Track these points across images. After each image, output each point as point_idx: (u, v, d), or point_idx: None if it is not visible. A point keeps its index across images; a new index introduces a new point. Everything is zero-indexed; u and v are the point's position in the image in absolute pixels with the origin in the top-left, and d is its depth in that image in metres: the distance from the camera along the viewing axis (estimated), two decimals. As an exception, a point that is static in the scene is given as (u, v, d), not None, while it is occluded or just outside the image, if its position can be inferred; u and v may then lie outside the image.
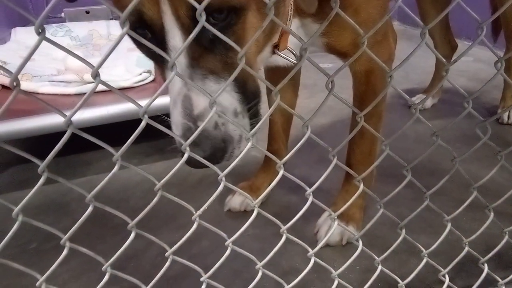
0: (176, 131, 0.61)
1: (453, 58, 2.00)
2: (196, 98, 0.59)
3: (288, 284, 0.73)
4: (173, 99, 0.62)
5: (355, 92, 1.05)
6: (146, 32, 0.60)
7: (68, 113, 0.39)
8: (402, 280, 0.84)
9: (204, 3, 0.41)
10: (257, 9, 0.62)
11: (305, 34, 0.91)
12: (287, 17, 0.82)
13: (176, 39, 0.58)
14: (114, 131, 1.41)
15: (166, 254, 0.58)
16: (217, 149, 0.60)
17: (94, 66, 0.37)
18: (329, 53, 0.96)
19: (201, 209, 0.56)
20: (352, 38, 0.89)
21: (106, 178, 0.43)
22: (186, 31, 0.57)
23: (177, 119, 0.60)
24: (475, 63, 2.60)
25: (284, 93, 1.25)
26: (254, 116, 0.68)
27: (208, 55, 0.60)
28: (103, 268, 0.52)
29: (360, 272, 1.00)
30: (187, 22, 0.57)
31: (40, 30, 0.33)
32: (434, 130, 0.68)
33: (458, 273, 0.96)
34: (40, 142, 1.34)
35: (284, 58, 0.87)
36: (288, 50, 0.89)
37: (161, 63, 0.67)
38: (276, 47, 0.86)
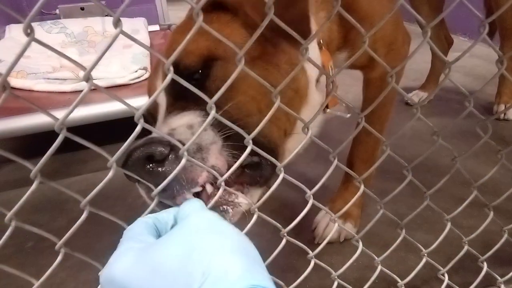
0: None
1: (449, 54, 1.99)
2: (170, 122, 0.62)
3: (286, 283, 0.73)
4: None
5: (367, 95, 1.08)
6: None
7: (62, 113, 0.38)
8: (401, 277, 0.83)
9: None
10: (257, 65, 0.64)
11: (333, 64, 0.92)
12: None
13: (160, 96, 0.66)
14: (111, 128, 1.40)
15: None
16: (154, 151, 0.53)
17: (86, 68, 0.36)
18: (351, 69, 0.97)
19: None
20: (369, 54, 0.90)
21: (101, 184, 0.42)
22: (170, 94, 0.65)
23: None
24: (470, 59, 2.59)
25: None
26: (256, 167, 0.64)
27: (187, 103, 0.64)
28: (99, 273, 0.51)
29: (358, 269, 1.00)
30: (168, 88, 0.63)
31: (29, 31, 0.32)
32: (435, 130, 0.67)
33: (457, 271, 0.95)
34: (35, 140, 1.33)
35: (337, 115, 0.85)
36: (341, 102, 0.87)
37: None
38: (326, 106, 0.82)
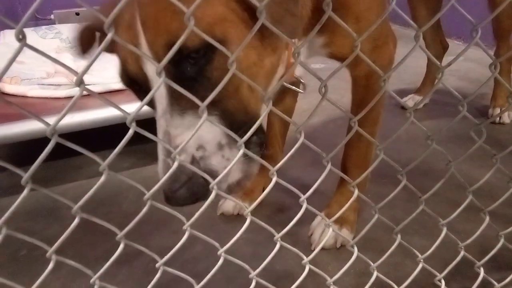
0: (158, 168, 0.62)
1: (444, 58, 2.00)
2: (174, 133, 0.59)
3: (282, 290, 0.72)
4: (159, 136, 0.63)
5: (354, 96, 1.05)
6: (136, 85, 0.65)
7: (53, 120, 0.38)
8: (398, 284, 0.83)
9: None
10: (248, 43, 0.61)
11: (308, 48, 0.91)
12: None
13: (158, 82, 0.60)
14: (106, 133, 1.40)
15: (157, 265, 0.57)
16: (195, 184, 0.59)
17: (78, 73, 0.35)
18: (333, 59, 0.96)
19: (192, 219, 0.55)
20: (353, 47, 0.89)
21: (93, 188, 0.41)
22: (167, 74, 0.59)
23: (159, 156, 0.62)
24: (465, 62, 2.61)
25: (283, 97, 1.24)
26: (259, 145, 0.68)
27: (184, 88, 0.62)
28: (91, 281, 0.51)
29: (355, 275, 1.00)
30: (167, 66, 0.57)
31: (20, 37, 0.32)
32: (429, 134, 0.67)
33: (453, 276, 0.95)
34: (29, 147, 1.32)
35: (292, 89, 0.88)
36: (296, 79, 0.89)
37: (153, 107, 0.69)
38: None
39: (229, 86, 0.61)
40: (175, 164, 0.49)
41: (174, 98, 0.60)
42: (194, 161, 0.59)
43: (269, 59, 0.68)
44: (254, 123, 0.55)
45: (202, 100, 0.48)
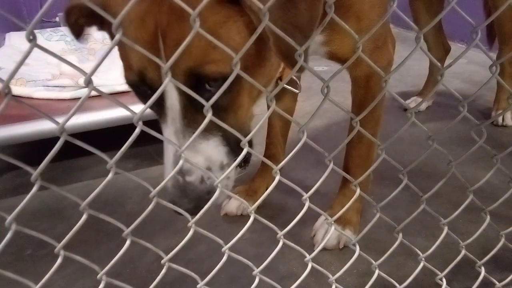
0: (167, 181, 0.65)
1: (446, 61, 2.01)
2: (186, 154, 0.61)
3: (285, 289, 0.73)
4: (166, 152, 0.68)
5: (354, 96, 1.06)
6: (147, 89, 0.65)
7: (61, 120, 0.39)
8: (399, 283, 0.84)
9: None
10: (251, 72, 0.63)
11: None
12: None
13: (173, 99, 0.63)
14: (111, 135, 1.41)
15: (162, 261, 0.58)
16: (202, 200, 0.64)
17: (86, 73, 0.36)
18: (332, 60, 0.97)
19: (197, 217, 0.56)
20: (354, 46, 0.88)
21: (101, 186, 0.42)
22: (182, 93, 0.62)
23: (168, 171, 0.67)
24: (469, 65, 2.61)
25: (283, 97, 1.25)
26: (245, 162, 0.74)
27: (202, 117, 0.62)
28: (98, 276, 0.52)
29: (358, 275, 1.00)
30: (183, 93, 0.60)
31: (31, 37, 0.33)
32: (429, 134, 0.68)
33: (455, 276, 0.96)
34: (36, 147, 1.33)
35: (287, 88, 0.90)
36: (292, 78, 0.90)
37: (158, 114, 0.71)
38: (279, 78, 0.87)
39: (234, 104, 0.67)
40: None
41: (188, 119, 0.64)
42: (202, 181, 0.66)
43: (271, 62, 0.70)
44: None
45: (214, 131, 0.54)
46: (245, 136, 0.66)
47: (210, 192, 0.66)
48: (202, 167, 0.63)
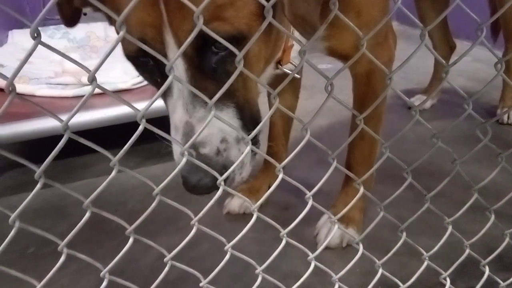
0: (177, 159, 0.62)
1: (451, 58, 2.00)
2: (198, 125, 0.59)
3: (288, 288, 0.73)
4: (174, 125, 0.62)
5: (356, 94, 1.05)
6: (148, 60, 0.61)
7: (65, 117, 0.39)
8: (403, 282, 0.83)
9: (200, 8, 0.40)
10: (259, 37, 0.61)
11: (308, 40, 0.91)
12: (289, 29, 0.81)
13: (179, 69, 0.59)
14: (113, 133, 1.41)
15: (165, 259, 0.58)
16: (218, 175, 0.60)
17: (90, 70, 0.36)
18: (331, 56, 0.96)
19: (200, 214, 0.56)
20: (354, 41, 0.87)
21: (104, 183, 0.42)
22: (189, 61, 0.58)
23: (179, 145, 0.62)
24: (474, 63, 2.60)
25: (285, 95, 1.24)
26: (254, 143, 0.69)
27: (211, 84, 0.60)
28: (101, 274, 0.52)
29: (361, 274, 1.00)
30: (190, 52, 0.57)
31: (35, 34, 0.32)
32: (434, 132, 0.68)
33: (459, 275, 0.95)
34: (38, 145, 1.34)
35: (286, 72, 0.89)
36: (291, 64, 0.89)
37: (159, 88, 0.67)
38: (279, 62, 0.86)
39: (241, 77, 0.61)
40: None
41: (197, 88, 0.58)
42: (219, 153, 0.61)
43: (272, 47, 0.69)
44: (258, 118, 0.56)
45: (227, 101, 0.51)
46: (255, 112, 0.66)
47: (227, 166, 0.61)
48: (217, 138, 0.60)
